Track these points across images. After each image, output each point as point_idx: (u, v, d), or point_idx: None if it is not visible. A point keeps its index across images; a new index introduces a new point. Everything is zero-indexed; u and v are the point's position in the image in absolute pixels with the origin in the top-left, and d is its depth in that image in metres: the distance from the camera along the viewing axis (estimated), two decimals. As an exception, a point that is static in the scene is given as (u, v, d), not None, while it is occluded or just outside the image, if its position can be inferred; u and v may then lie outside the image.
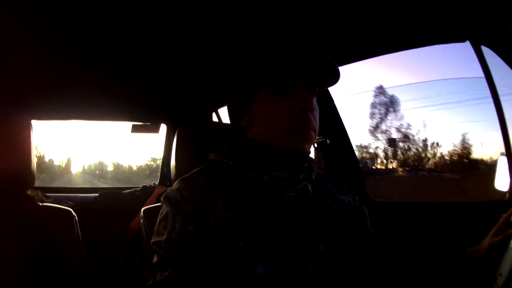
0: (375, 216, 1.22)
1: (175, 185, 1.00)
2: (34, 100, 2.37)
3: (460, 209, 1.58)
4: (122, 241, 2.19)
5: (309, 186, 1.06)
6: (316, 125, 1.00)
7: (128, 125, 3.25)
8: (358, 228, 1.13)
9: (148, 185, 2.87)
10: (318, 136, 1.93)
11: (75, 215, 1.33)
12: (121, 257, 2.17)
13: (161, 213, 0.97)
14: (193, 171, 1.04)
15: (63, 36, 1.60)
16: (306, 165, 1.08)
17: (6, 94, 2.05)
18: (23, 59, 1.78)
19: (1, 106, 1.25)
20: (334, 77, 1.03)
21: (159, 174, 3.49)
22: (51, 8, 1.35)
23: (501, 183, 1.37)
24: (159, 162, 3.53)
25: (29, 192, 1.31)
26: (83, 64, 1.95)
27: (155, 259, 0.91)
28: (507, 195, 1.38)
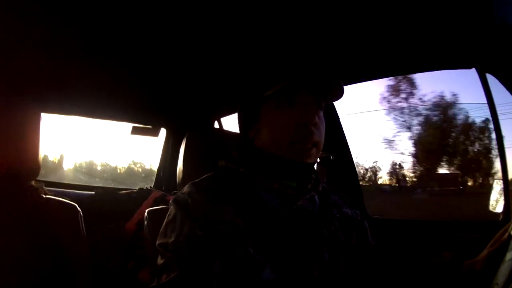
0: (372, 232, 1.25)
1: (186, 188, 1.01)
2: (42, 93, 2.35)
3: (456, 228, 1.61)
4: (118, 241, 2.17)
5: (316, 197, 1.09)
6: (320, 138, 1.02)
7: (117, 127, 3.24)
8: (360, 241, 1.15)
9: (145, 188, 2.86)
10: (322, 151, 1.97)
11: (80, 210, 1.34)
12: (116, 257, 2.15)
13: (169, 215, 0.98)
14: (203, 177, 1.06)
15: (73, 33, 1.61)
16: (313, 176, 1.10)
17: (17, 85, 2.04)
18: (34, 53, 1.79)
19: (14, 96, 1.26)
20: (338, 91, 1.04)
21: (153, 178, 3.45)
22: (64, 6, 1.37)
23: (495, 205, 1.42)
24: (139, 165, 3.50)
25: (33, 183, 1.30)
26: (91, 61, 1.95)
27: (160, 260, 0.91)
28: (501, 216, 1.42)
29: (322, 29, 1.42)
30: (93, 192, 2.76)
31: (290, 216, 0.99)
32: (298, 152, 0.99)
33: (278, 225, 0.96)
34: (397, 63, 1.64)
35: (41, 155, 1.27)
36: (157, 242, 0.95)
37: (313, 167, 1.09)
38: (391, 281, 1.13)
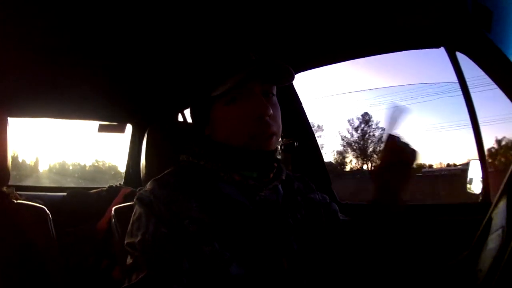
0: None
1: (148, 186, 0.98)
2: (7, 97, 2.35)
3: (433, 211, 1.60)
4: (91, 241, 2.17)
5: (280, 186, 1.07)
6: (277, 127, 0.99)
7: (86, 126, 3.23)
8: (330, 223, 1.14)
9: (114, 185, 2.84)
10: (285, 138, 1.94)
11: (49, 213, 1.34)
12: (90, 257, 2.15)
13: (134, 214, 0.96)
14: (165, 172, 1.03)
15: (36, 35, 1.61)
16: (275, 164, 1.08)
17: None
18: None
19: None
20: (287, 75, 1.00)
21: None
22: (28, 8, 1.36)
23: (474, 186, 1.41)
24: (102, 163, 3.51)
25: (4, 189, 1.31)
26: (55, 62, 1.94)
27: (129, 260, 0.89)
28: (481, 197, 1.41)
29: (271, 13, 1.41)
30: (65, 194, 2.72)
31: (253, 208, 0.98)
32: (258, 144, 0.97)
33: (241, 218, 0.95)
34: (362, 43, 1.63)
35: (9, 161, 1.26)
36: (125, 242, 0.93)
37: (274, 155, 1.06)
38: (367, 258, 1.11)
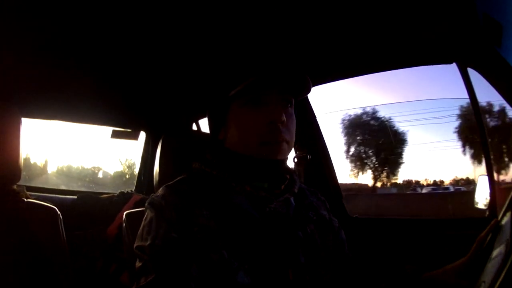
0: (352, 231, 1.23)
1: (160, 191, 1.00)
2: (22, 97, 2.35)
3: (438, 226, 1.61)
4: (100, 245, 2.17)
5: (291, 199, 1.06)
6: (289, 136, 1.00)
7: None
8: (336, 252, 1.14)
9: (125, 191, 2.85)
10: (299, 151, 1.94)
11: (60, 213, 1.34)
12: (98, 261, 2.15)
13: (145, 218, 0.97)
14: (177, 179, 1.05)
15: (53, 38, 1.62)
16: (288, 176, 1.08)
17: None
18: (13, 58, 1.80)
19: None
20: (305, 87, 1.02)
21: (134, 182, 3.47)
22: (43, 12, 1.38)
23: (481, 201, 1.41)
24: (97, 171, 3.50)
25: (14, 187, 1.30)
26: (71, 66, 1.96)
27: (138, 263, 0.90)
28: (487, 212, 1.41)
29: (288, 25, 1.42)
30: (75, 197, 2.73)
31: (263, 219, 0.98)
32: (269, 150, 0.98)
33: (250, 228, 0.95)
34: (374, 59, 1.63)
35: (21, 159, 1.27)
36: (135, 245, 0.94)
37: (285, 164, 1.07)
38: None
